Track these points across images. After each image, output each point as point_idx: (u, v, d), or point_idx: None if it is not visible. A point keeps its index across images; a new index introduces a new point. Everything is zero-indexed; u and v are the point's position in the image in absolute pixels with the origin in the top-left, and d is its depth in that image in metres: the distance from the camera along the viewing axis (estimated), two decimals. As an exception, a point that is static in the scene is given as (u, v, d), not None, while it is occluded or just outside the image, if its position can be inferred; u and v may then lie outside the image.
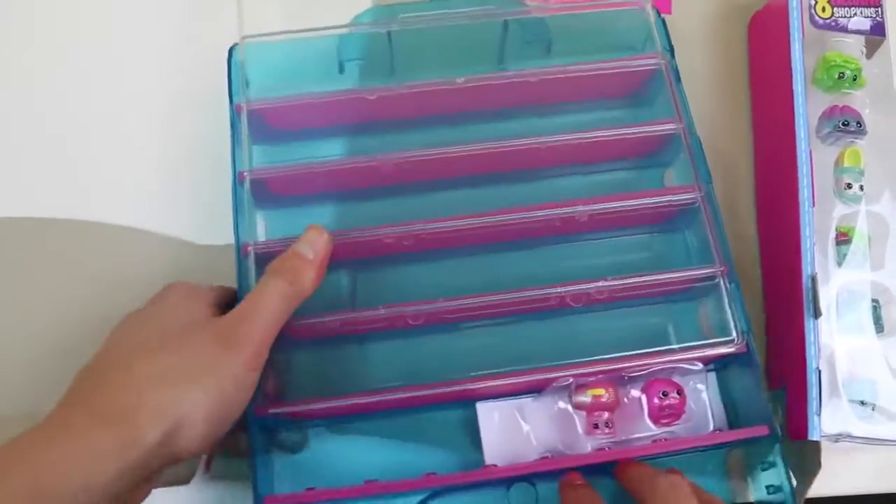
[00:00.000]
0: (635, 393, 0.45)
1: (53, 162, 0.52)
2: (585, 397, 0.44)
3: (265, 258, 0.43)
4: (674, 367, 0.45)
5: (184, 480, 0.44)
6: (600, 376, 0.44)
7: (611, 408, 0.44)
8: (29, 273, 0.50)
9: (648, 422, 0.44)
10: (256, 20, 0.49)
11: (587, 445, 0.44)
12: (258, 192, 0.46)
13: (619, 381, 0.45)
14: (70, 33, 0.55)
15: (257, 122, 0.47)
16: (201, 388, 0.36)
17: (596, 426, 0.44)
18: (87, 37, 0.55)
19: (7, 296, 0.49)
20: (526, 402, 0.45)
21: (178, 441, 0.36)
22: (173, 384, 0.36)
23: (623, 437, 0.44)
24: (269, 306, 0.39)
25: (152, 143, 0.52)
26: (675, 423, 0.45)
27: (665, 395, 0.44)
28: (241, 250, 0.44)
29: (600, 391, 0.44)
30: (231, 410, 0.38)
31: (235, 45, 0.48)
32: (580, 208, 0.46)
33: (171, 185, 0.51)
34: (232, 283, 0.44)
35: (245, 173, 0.45)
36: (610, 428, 0.44)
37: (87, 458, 0.33)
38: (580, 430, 0.44)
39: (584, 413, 0.44)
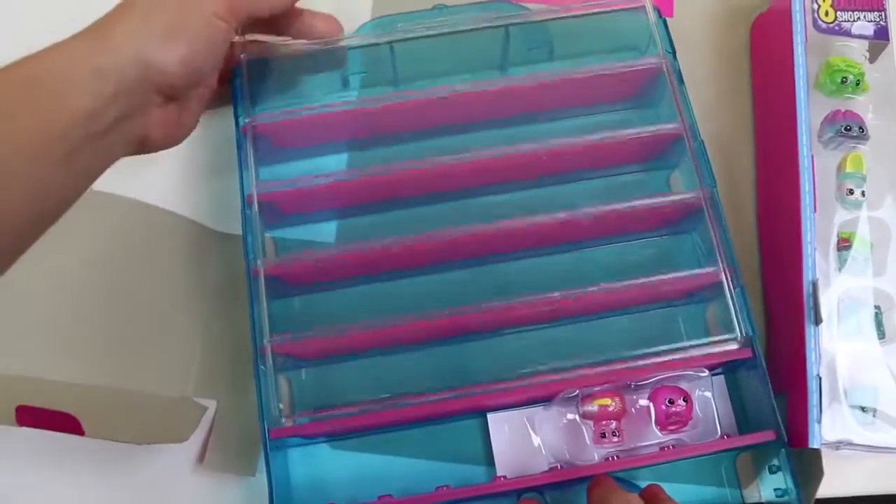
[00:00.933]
0: (643, 401, 0.46)
1: None
2: (592, 407, 0.45)
3: (275, 279, 0.43)
4: (680, 375, 0.45)
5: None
6: (606, 385, 0.45)
7: (618, 416, 0.45)
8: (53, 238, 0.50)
9: (656, 429, 0.45)
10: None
11: (595, 455, 0.45)
12: (267, 212, 0.46)
13: (625, 389, 0.45)
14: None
15: (264, 142, 0.47)
16: (171, 21, 0.40)
17: (604, 435, 0.45)
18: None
19: (28, 261, 0.50)
20: (535, 412, 0.46)
21: (155, 65, 0.39)
22: (146, 14, 0.40)
23: (631, 445, 0.45)
24: None
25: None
26: (683, 429, 0.45)
27: (671, 402, 0.45)
28: (251, 271, 0.45)
29: (607, 400, 0.45)
30: (204, 55, 0.42)
31: (239, 64, 0.48)
32: (586, 210, 0.47)
33: (194, 170, 0.52)
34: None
35: (253, 195, 0.45)
36: (618, 436, 0.45)
37: (63, 57, 0.38)
38: (588, 439, 0.45)
39: (591, 422, 0.45)
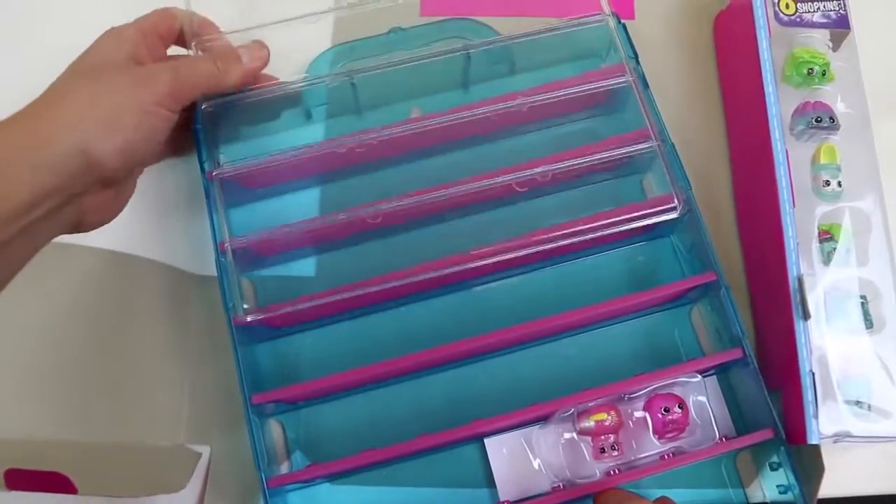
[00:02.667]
0: (638, 413, 0.46)
1: None
2: (589, 423, 0.45)
3: (257, 325, 0.43)
4: (673, 382, 0.45)
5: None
6: (601, 400, 0.45)
7: (615, 430, 0.45)
8: (24, 294, 0.48)
9: (654, 439, 0.45)
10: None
11: (596, 471, 0.44)
12: (243, 257, 0.46)
13: (620, 402, 0.45)
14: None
15: (231, 185, 0.47)
16: (110, 112, 0.40)
17: (603, 450, 0.44)
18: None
19: (5, 320, 0.49)
20: (532, 432, 0.46)
21: (93, 158, 0.39)
22: (85, 105, 0.39)
23: (631, 458, 0.45)
24: (195, 72, 0.44)
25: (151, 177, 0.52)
26: (681, 436, 0.45)
27: (667, 410, 0.45)
28: (231, 320, 0.44)
29: (603, 415, 0.45)
30: (144, 144, 0.42)
31: (201, 106, 0.47)
32: (562, 226, 0.46)
33: (168, 215, 0.52)
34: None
35: (226, 243, 0.45)
36: (616, 450, 0.44)
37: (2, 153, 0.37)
38: (588, 455, 0.45)
39: (589, 438, 0.45)
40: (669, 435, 0.45)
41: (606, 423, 0.44)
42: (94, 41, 0.44)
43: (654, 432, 0.45)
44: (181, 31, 0.47)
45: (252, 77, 0.47)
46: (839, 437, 0.44)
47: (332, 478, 0.46)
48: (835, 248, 0.46)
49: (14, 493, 0.45)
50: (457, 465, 0.46)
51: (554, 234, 0.46)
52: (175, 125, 0.44)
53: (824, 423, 0.43)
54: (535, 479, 0.45)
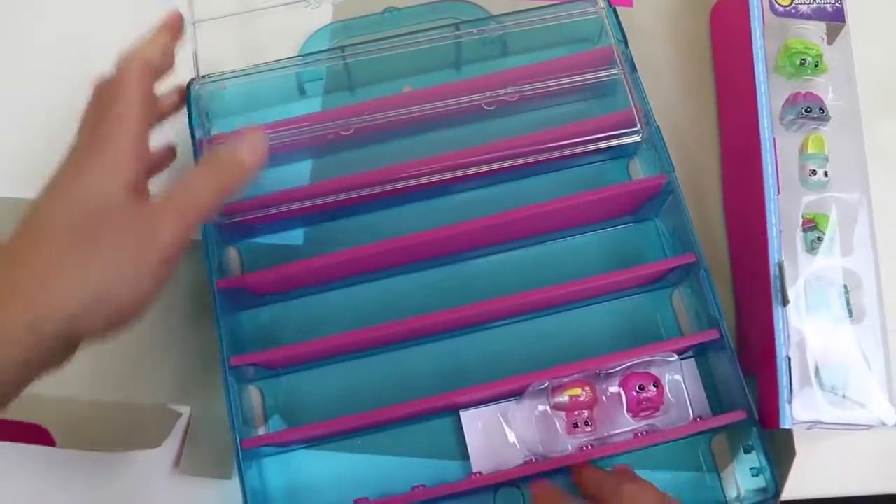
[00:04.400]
0: (613, 389, 0.46)
1: (41, 148, 0.51)
2: (563, 398, 0.45)
3: (241, 291, 0.44)
4: (649, 360, 0.46)
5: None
6: (576, 375, 0.45)
7: (589, 406, 0.45)
8: None
9: (628, 416, 0.45)
10: (212, 37, 0.49)
11: (568, 445, 0.45)
12: (230, 227, 0.46)
13: (595, 378, 0.46)
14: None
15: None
16: (106, 284, 0.35)
17: (576, 425, 0.45)
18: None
19: None
20: (508, 406, 0.46)
21: (93, 316, 0.35)
22: (75, 282, 0.35)
23: (605, 434, 0.45)
24: (199, 202, 0.38)
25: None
26: (655, 415, 0.45)
27: (642, 388, 0.45)
28: (214, 285, 0.45)
29: (577, 391, 0.45)
30: (149, 297, 0.37)
31: (192, 80, 0.48)
32: (549, 202, 0.47)
33: (156, 179, 0.51)
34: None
35: None
36: (590, 426, 0.45)
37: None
38: (561, 430, 0.45)
39: (563, 413, 0.45)
40: (644, 413, 0.45)
41: (581, 399, 0.45)
42: (85, 173, 0.37)
43: (629, 409, 0.45)
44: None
45: (258, 169, 0.41)
46: (812, 424, 0.44)
47: (309, 444, 0.47)
48: (818, 237, 0.46)
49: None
50: (432, 437, 0.47)
51: (540, 206, 0.47)
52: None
53: (799, 409, 0.43)
54: (509, 452, 0.46)
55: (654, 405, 0.45)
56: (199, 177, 0.39)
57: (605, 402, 0.45)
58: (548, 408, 0.45)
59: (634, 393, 0.45)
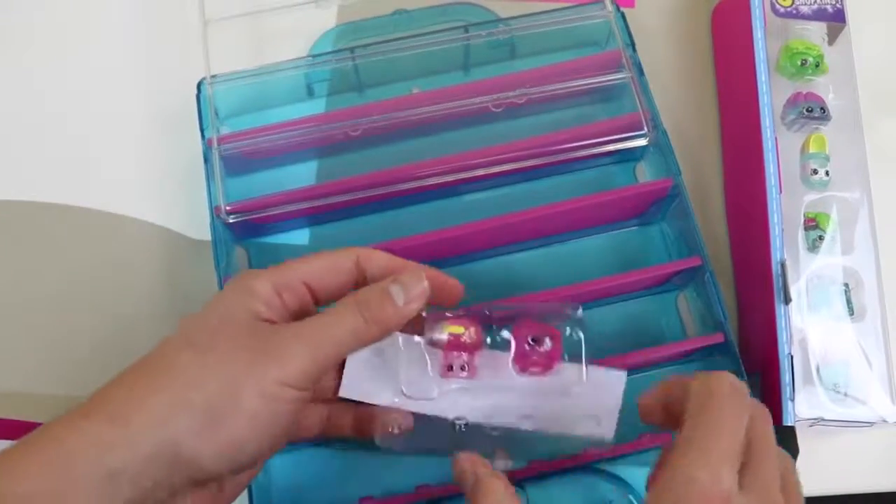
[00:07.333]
0: (506, 334, 0.39)
1: (55, 148, 0.53)
2: (441, 335, 0.38)
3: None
4: (550, 312, 0.39)
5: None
6: (460, 311, 0.39)
7: (471, 349, 0.38)
8: (24, 254, 0.51)
9: (513, 369, 0.38)
10: (223, 38, 0.49)
11: (435, 391, 0.38)
12: (238, 226, 0.47)
13: (486, 319, 0.39)
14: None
15: (232, 154, 0.48)
16: (215, 398, 0.31)
17: (450, 368, 0.38)
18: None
19: (8, 275, 0.50)
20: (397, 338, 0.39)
21: (186, 459, 0.31)
22: (181, 389, 0.31)
23: (481, 383, 0.38)
24: (335, 335, 0.34)
25: (153, 143, 0.53)
26: (545, 374, 0.38)
27: (535, 341, 0.38)
28: (222, 284, 0.45)
29: (459, 329, 0.38)
30: (259, 439, 0.32)
31: (203, 79, 0.48)
32: (554, 203, 0.47)
33: (168, 179, 0.52)
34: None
35: (221, 207, 0.46)
36: (465, 371, 0.38)
37: (65, 457, 0.30)
38: (431, 371, 0.38)
39: (439, 352, 0.38)
40: (532, 370, 0.38)
41: (462, 339, 0.38)
42: (218, 294, 0.36)
43: (514, 360, 0.38)
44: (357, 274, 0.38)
45: (412, 315, 0.36)
46: (815, 420, 0.44)
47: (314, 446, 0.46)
48: (820, 236, 0.47)
49: None
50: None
51: (547, 207, 0.47)
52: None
53: (802, 406, 0.44)
54: (385, 384, 0.39)
55: (545, 363, 0.38)
56: (346, 312, 0.35)
57: (487, 348, 0.38)
58: (422, 341, 0.38)
59: (526, 346, 0.38)
